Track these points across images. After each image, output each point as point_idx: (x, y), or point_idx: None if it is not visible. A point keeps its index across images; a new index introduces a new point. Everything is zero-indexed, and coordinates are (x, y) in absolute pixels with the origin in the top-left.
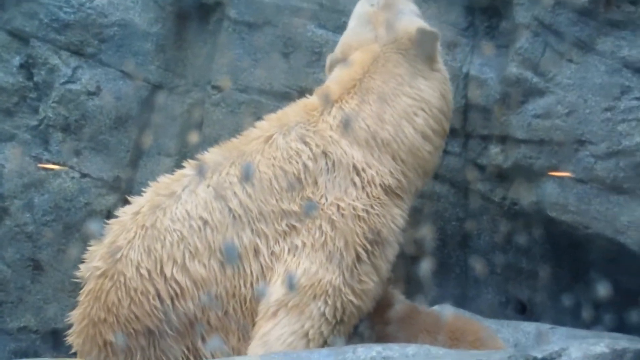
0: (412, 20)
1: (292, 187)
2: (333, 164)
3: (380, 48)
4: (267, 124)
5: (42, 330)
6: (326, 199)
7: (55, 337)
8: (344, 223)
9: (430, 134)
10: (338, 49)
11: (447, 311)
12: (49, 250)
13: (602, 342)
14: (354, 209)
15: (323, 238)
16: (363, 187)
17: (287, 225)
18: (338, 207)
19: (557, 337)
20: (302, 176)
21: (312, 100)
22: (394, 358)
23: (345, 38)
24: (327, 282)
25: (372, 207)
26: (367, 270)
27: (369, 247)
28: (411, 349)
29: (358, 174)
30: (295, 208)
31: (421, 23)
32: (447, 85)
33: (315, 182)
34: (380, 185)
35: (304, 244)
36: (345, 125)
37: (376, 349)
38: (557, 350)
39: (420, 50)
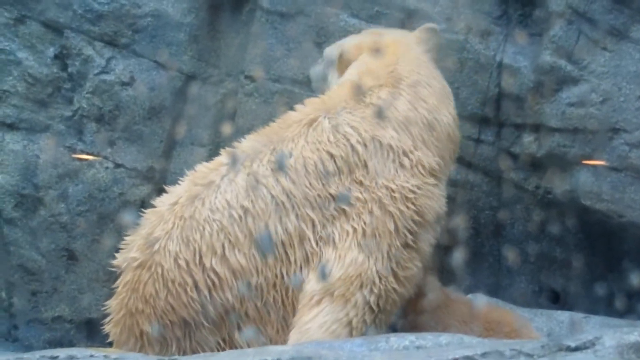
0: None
1: (340, 170)
2: (382, 148)
3: (408, 39)
4: (310, 108)
5: (76, 320)
6: (376, 183)
7: (90, 327)
8: (394, 206)
9: (457, 119)
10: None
11: (480, 301)
12: (83, 241)
13: (636, 331)
14: (404, 190)
15: (374, 223)
16: (412, 169)
17: (335, 209)
18: (388, 188)
19: (591, 326)
20: (352, 159)
21: (355, 85)
22: (427, 347)
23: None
24: (375, 272)
25: (419, 188)
26: (412, 256)
27: (416, 229)
28: (444, 337)
29: (407, 156)
30: (345, 192)
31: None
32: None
33: (365, 166)
34: (425, 167)
35: (355, 229)
36: (383, 112)
37: (409, 338)
38: (590, 339)
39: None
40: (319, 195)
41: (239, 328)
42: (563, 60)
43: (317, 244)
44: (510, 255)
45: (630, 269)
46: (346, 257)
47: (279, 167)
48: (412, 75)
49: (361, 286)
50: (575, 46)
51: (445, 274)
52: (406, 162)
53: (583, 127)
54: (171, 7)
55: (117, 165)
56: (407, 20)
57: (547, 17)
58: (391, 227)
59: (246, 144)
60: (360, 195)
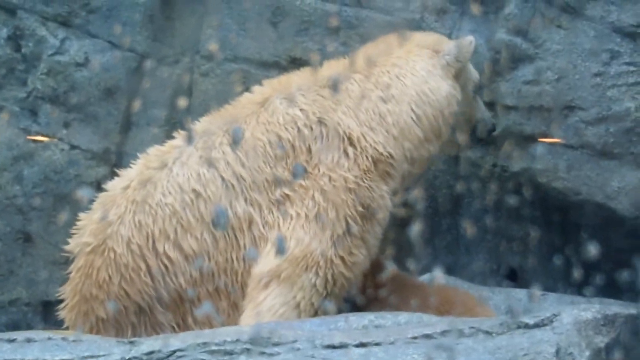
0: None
1: (286, 154)
2: (328, 133)
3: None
4: (267, 88)
5: (33, 303)
6: (319, 170)
7: (47, 309)
8: (335, 194)
9: (425, 124)
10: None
11: (437, 280)
12: (39, 223)
13: (594, 308)
14: (345, 180)
15: (316, 208)
16: (355, 159)
17: (280, 194)
18: (330, 177)
19: (549, 304)
20: (297, 143)
21: (322, 68)
22: (387, 326)
23: None
24: (319, 254)
25: (362, 180)
26: (357, 244)
27: (358, 219)
28: (403, 317)
29: (352, 143)
30: (289, 177)
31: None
32: (455, 99)
33: (309, 150)
34: (372, 157)
35: (298, 214)
36: (339, 90)
37: (368, 317)
38: (548, 317)
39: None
40: (266, 179)
41: (192, 313)
42: (518, 38)
43: (264, 227)
44: (468, 233)
45: (587, 245)
46: (291, 240)
47: (235, 142)
48: (387, 67)
49: (306, 268)
50: (531, 24)
51: (403, 252)
52: (350, 150)
53: (539, 104)
54: None
55: (73, 147)
56: None
57: None
58: (332, 215)
59: (200, 125)
60: (302, 182)
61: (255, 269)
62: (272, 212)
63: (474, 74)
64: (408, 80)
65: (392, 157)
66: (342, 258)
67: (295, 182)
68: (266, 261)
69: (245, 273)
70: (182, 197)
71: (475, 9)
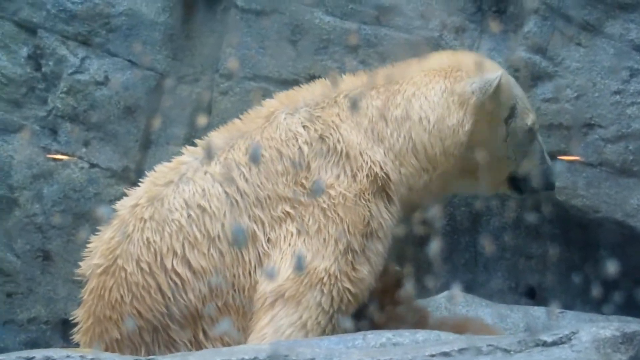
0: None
1: (286, 171)
2: (328, 149)
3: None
4: (275, 101)
5: (52, 321)
6: None
7: (66, 328)
8: (334, 211)
9: (420, 151)
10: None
11: (456, 296)
12: (58, 241)
13: (612, 326)
14: (344, 198)
15: (316, 226)
16: (354, 176)
17: (282, 211)
18: (329, 195)
19: (567, 321)
20: (297, 160)
21: (337, 82)
22: (404, 344)
23: None
24: (322, 270)
25: (360, 198)
26: (360, 260)
27: (358, 237)
28: (421, 334)
29: (350, 161)
30: (290, 194)
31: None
32: (462, 131)
33: (309, 167)
34: (370, 175)
35: (299, 231)
36: (358, 108)
37: (386, 335)
38: (567, 334)
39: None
40: (268, 196)
41: (203, 329)
42: (538, 56)
43: (267, 244)
44: (487, 251)
45: (606, 262)
46: (293, 258)
47: (253, 158)
48: (409, 87)
49: (310, 286)
50: (550, 42)
51: (422, 271)
52: (347, 167)
53: (558, 122)
54: (145, 6)
55: (92, 165)
56: (382, 17)
57: (522, 13)
58: (332, 231)
59: (208, 141)
60: (302, 199)
61: (259, 287)
62: (275, 229)
63: (523, 117)
64: (416, 103)
65: (389, 178)
66: (346, 274)
67: (294, 199)
68: (270, 280)
69: (252, 289)
70: (189, 212)
71: (495, 27)
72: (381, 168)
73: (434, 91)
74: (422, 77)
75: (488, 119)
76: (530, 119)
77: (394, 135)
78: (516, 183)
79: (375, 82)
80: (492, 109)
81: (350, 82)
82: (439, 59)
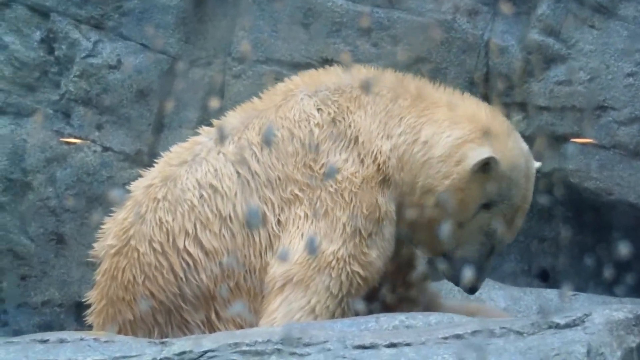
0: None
1: (296, 152)
2: (339, 133)
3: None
4: (298, 80)
5: (66, 304)
6: (324, 171)
7: (79, 310)
8: (341, 195)
9: (412, 169)
10: None
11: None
12: (72, 224)
13: (625, 308)
14: (351, 182)
15: (324, 209)
16: (362, 161)
17: (291, 193)
18: (336, 179)
19: (580, 304)
20: (307, 142)
21: (364, 69)
22: (417, 327)
23: None
24: (331, 253)
25: (367, 184)
26: (368, 243)
27: (366, 221)
28: (434, 317)
29: (358, 146)
30: (298, 176)
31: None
32: (451, 182)
33: (317, 150)
34: (376, 161)
35: (307, 215)
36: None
37: (399, 317)
38: (579, 317)
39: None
40: (278, 177)
41: (216, 310)
42: (551, 38)
43: (277, 226)
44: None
45: (618, 245)
46: (301, 241)
47: (265, 142)
48: (432, 112)
49: (319, 270)
50: (563, 24)
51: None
52: (355, 152)
53: (571, 105)
54: None
55: (105, 149)
56: (395, 0)
57: None
58: (340, 214)
59: (225, 121)
60: (310, 182)
61: (270, 270)
62: (284, 211)
63: (496, 217)
64: (430, 129)
65: (391, 173)
66: (354, 257)
67: (302, 182)
68: (281, 262)
69: (263, 271)
70: (200, 192)
71: (507, 9)
72: (385, 161)
73: (448, 134)
74: (449, 114)
75: (469, 191)
76: (500, 225)
77: (402, 138)
78: (447, 262)
79: (409, 89)
80: (476, 188)
81: (382, 78)
82: (474, 109)
